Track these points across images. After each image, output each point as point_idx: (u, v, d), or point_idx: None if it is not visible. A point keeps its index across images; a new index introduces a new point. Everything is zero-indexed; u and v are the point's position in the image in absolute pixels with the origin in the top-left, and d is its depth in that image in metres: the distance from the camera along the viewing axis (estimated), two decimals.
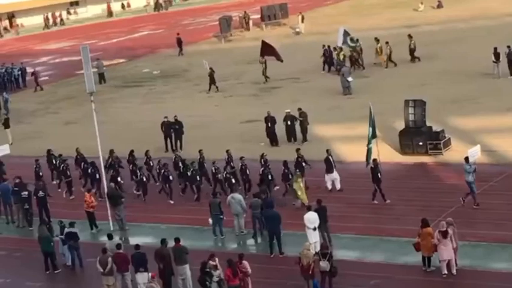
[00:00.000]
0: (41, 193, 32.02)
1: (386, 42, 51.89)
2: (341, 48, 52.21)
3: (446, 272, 23.54)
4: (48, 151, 37.60)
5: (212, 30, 77.28)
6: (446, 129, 35.12)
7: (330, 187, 31.64)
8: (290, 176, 30.95)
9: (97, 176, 33.79)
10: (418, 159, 33.93)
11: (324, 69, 53.13)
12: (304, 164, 31.97)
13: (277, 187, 31.56)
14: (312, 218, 25.89)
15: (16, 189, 32.67)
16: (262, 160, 32.24)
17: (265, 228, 27.50)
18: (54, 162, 36.97)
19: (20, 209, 32.50)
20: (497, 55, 45.04)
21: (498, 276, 23.39)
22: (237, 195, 28.89)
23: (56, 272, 27.74)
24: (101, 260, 24.96)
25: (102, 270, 24.90)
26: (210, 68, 52.22)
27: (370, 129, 31.57)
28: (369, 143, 31.46)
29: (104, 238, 27.67)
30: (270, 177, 31.11)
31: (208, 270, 23.08)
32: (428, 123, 35.00)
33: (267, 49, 51.71)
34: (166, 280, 24.61)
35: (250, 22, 76.94)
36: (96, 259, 25.25)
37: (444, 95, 42.44)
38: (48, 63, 75.59)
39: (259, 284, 23.99)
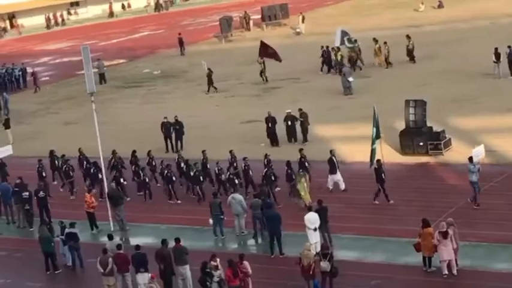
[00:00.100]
0: (41, 193, 32.02)
1: (385, 43, 51.89)
2: (338, 48, 52.22)
3: (446, 272, 23.53)
4: (51, 152, 37.54)
5: (212, 30, 77.30)
6: (447, 129, 35.12)
7: (331, 187, 31.63)
8: (293, 177, 30.92)
9: (99, 176, 33.80)
10: (419, 159, 33.92)
11: (322, 70, 53.00)
12: (307, 164, 31.91)
13: (279, 188, 31.52)
14: (312, 219, 25.88)
15: (17, 189, 32.66)
16: (266, 160, 32.17)
17: (265, 228, 27.50)
18: (56, 163, 36.95)
19: (21, 210, 32.48)
20: (497, 55, 45.05)
21: (499, 277, 23.38)
22: (238, 196, 28.88)
23: (56, 272, 27.74)
24: (102, 260, 24.96)
25: (102, 270, 24.90)
26: (208, 69, 52.23)
27: (374, 129, 31.53)
28: (373, 143, 31.43)
29: (105, 238, 27.65)
30: (273, 177, 31.10)
31: (208, 270, 23.07)
32: (428, 123, 34.98)
33: (265, 50, 51.70)
34: (167, 281, 24.60)
35: (251, 22, 76.95)
36: (96, 259, 25.24)
37: (444, 95, 42.43)
38: (49, 63, 75.62)
39: (260, 284, 23.97)
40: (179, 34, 69.75)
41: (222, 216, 28.60)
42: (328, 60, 52.83)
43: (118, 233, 29.79)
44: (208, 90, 51.75)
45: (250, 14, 78.48)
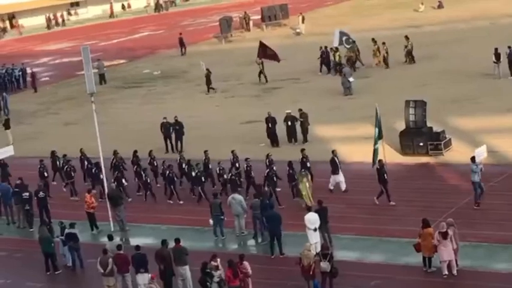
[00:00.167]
0: (41, 194, 32.02)
1: (383, 43, 51.91)
2: (337, 49, 52.22)
3: (447, 272, 23.52)
4: (53, 152, 37.49)
5: (212, 31, 77.31)
6: (447, 130, 35.11)
7: (331, 188, 31.61)
8: (295, 177, 30.88)
9: (101, 176, 33.76)
10: (419, 159, 33.92)
11: (321, 71, 52.96)
12: (308, 164, 31.86)
13: (279, 189, 31.48)
14: (312, 219, 25.88)
15: (17, 190, 32.66)
16: (267, 161, 32.09)
17: (265, 228, 27.49)
18: (58, 163, 36.93)
19: (21, 210, 32.48)
20: (497, 55, 45.07)
21: (499, 277, 23.37)
22: (238, 196, 28.86)
23: (56, 272, 27.73)
24: (102, 260, 24.96)
25: (102, 271, 24.90)
26: (207, 69, 52.23)
27: (376, 130, 31.54)
28: (375, 143, 31.43)
29: (105, 239, 27.63)
30: (275, 178, 31.09)
31: (208, 270, 23.07)
32: (428, 124, 34.98)
33: (264, 51, 51.69)
34: (167, 281, 24.59)
35: (251, 23, 76.95)
36: (96, 260, 25.23)
37: (444, 95, 42.44)
38: (49, 64, 75.62)
39: (260, 284, 23.97)
40: (180, 34, 69.76)
41: (222, 217, 28.59)
42: (327, 61, 52.82)
43: (118, 233, 29.78)
44: (208, 91, 51.77)
45: (250, 14, 78.48)
